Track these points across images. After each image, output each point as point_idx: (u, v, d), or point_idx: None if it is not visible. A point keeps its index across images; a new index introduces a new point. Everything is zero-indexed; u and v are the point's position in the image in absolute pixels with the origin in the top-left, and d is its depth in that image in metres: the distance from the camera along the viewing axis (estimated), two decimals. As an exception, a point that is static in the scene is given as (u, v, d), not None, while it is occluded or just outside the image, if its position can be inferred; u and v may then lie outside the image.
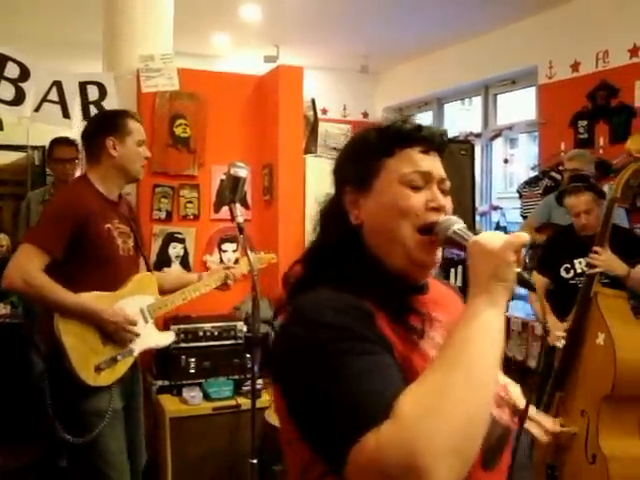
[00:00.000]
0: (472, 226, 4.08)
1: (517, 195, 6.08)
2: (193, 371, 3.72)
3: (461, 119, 9.86)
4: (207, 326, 3.81)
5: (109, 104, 3.83)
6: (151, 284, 2.97)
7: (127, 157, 2.85)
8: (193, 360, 3.70)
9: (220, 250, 4.47)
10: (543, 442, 1.43)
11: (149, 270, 3.09)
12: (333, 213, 1.24)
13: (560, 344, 3.17)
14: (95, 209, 2.74)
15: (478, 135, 7.53)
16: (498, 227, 7.10)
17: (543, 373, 3.38)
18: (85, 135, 2.97)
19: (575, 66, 6.15)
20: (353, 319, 1.02)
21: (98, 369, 2.66)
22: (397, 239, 1.15)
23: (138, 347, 2.82)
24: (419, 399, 0.89)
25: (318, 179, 4.79)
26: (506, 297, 1.03)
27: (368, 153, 1.20)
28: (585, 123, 5.94)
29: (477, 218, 7.46)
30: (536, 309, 3.69)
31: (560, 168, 5.48)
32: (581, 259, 3.43)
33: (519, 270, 1.04)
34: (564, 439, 3.12)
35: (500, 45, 6.96)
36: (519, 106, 7.74)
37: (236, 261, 3.87)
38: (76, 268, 2.68)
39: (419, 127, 1.22)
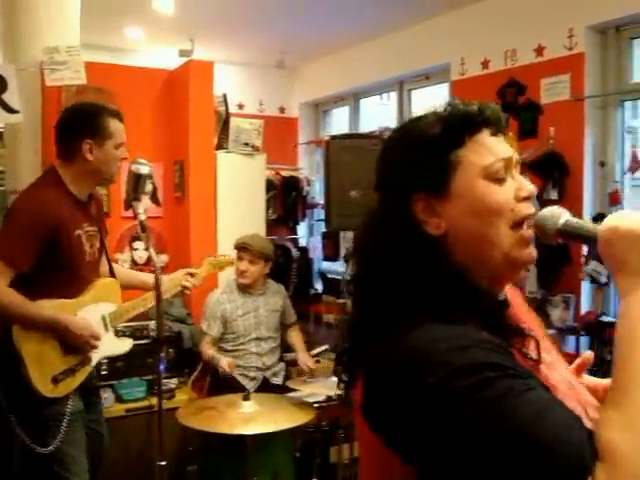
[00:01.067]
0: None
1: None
2: (105, 372, 3.64)
3: (379, 114, 9.95)
4: (118, 325, 3.72)
5: (9, 98, 3.69)
6: (114, 290, 2.87)
7: (103, 161, 2.70)
8: (105, 361, 3.62)
9: (131, 248, 4.39)
10: None
11: (112, 273, 2.96)
12: (398, 229, 1.05)
13: None
14: (65, 215, 2.60)
15: (394, 130, 7.63)
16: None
17: None
18: (59, 129, 2.77)
19: (485, 63, 6.30)
20: (493, 354, 0.88)
21: (55, 380, 2.56)
22: (494, 242, 1.01)
23: (97, 356, 2.74)
24: (629, 427, 0.76)
25: (230, 175, 4.76)
26: None
27: (435, 148, 1.04)
28: (495, 119, 6.07)
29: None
30: None
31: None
32: None
33: None
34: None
35: (414, 42, 7.06)
36: (433, 101, 7.86)
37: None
38: (40, 275, 2.57)
39: (483, 107, 1.07)
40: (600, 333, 5.14)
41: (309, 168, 8.84)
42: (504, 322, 1.01)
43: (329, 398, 3.24)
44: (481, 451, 0.82)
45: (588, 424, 0.84)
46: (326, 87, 8.67)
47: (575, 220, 1.01)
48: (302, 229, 8.76)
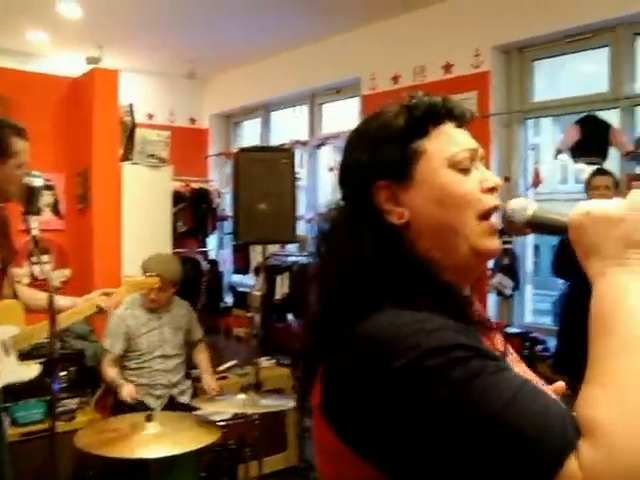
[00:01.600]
0: (294, 232, 4.10)
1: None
2: (-3, 395, 3.43)
3: (292, 127, 9.96)
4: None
5: None
6: (15, 313, 2.65)
7: (3, 180, 2.53)
8: (-2, 383, 3.41)
9: (30, 263, 4.19)
10: None
11: (15, 295, 2.74)
12: (360, 218, 1.02)
13: None
14: None
15: (304, 143, 7.64)
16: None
17: None
18: None
19: (395, 79, 6.39)
20: (463, 336, 0.85)
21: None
22: (459, 232, 0.99)
23: None
24: (613, 402, 0.73)
25: (135, 187, 4.63)
26: None
27: (399, 137, 1.03)
28: (404, 133, 6.16)
29: (303, 225, 7.60)
30: None
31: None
32: None
33: None
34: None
35: (326, 56, 7.08)
36: (344, 115, 7.92)
37: None
38: None
39: (447, 99, 1.08)
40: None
41: (220, 180, 8.73)
42: (469, 313, 0.98)
43: (236, 416, 3.16)
44: (458, 434, 0.78)
45: None
46: (237, 99, 8.60)
47: (544, 209, 0.99)
48: (212, 242, 8.64)
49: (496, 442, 0.76)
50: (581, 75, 7.08)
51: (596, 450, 0.71)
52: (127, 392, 3.43)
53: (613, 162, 4.92)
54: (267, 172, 3.88)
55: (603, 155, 4.80)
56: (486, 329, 1.02)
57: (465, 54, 5.75)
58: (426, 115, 1.05)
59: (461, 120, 1.08)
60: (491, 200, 1.02)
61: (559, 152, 5.00)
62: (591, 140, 4.81)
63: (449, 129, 1.05)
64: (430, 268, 0.98)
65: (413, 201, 1.00)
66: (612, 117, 5.04)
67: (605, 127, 4.82)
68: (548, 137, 11.68)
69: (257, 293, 4.47)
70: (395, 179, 1.02)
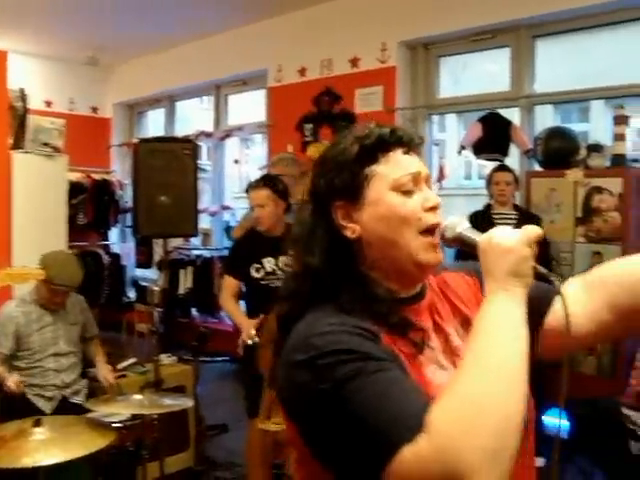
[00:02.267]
0: (195, 226, 3.99)
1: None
2: None
3: (198, 118, 9.78)
4: None
5: None
6: None
7: None
8: None
9: None
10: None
11: None
12: (321, 232, 1.18)
13: (251, 341, 3.21)
14: None
15: (209, 135, 7.50)
16: (228, 227, 7.13)
17: (248, 374, 3.40)
18: None
19: (302, 71, 6.35)
20: (358, 339, 1.01)
21: None
22: (401, 246, 1.13)
23: None
24: (449, 410, 0.88)
25: (27, 177, 4.40)
26: (524, 292, 1.02)
27: (352, 164, 1.16)
28: (311, 126, 6.14)
29: (207, 218, 7.48)
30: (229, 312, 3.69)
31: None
32: (270, 258, 3.50)
33: (535, 264, 1.03)
34: (283, 437, 3.14)
35: (232, 46, 6.96)
36: (251, 107, 7.84)
37: None
38: None
39: (395, 129, 1.19)
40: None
41: (122, 172, 8.47)
42: (391, 318, 1.11)
43: (134, 417, 3.03)
44: (333, 422, 0.95)
45: None
46: (141, 88, 8.34)
47: (467, 230, 1.14)
48: (115, 235, 8.39)
49: (354, 431, 0.93)
50: (484, 74, 7.24)
51: (427, 443, 0.86)
52: (13, 381, 3.22)
53: (514, 159, 5.04)
54: (168, 164, 3.75)
55: (504, 152, 4.91)
56: (405, 331, 1.12)
57: (372, 49, 5.76)
58: (375, 144, 1.16)
59: (409, 146, 1.19)
60: (431, 218, 1.14)
61: (462, 148, 5.08)
62: (493, 137, 4.91)
63: (396, 155, 1.17)
64: (370, 277, 1.15)
65: (364, 219, 1.15)
66: (513, 115, 5.17)
67: (506, 125, 4.93)
68: (453, 133, 11.92)
69: (156, 288, 4.33)
70: (349, 200, 1.16)
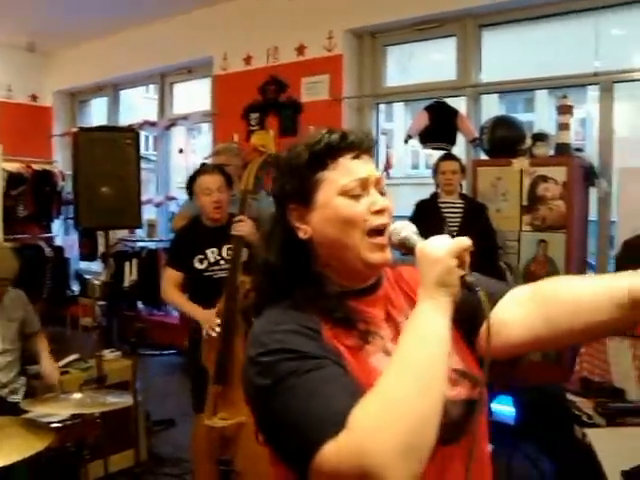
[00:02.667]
0: (139, 217, 3.88)
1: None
2: None
3: (144, 107, 9.59)
4: None
5: None
6: None
7: None
8: None
9: None
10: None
11: None
12: (279, 232, 1.26)
13: (215, 333, 3.12)
14: None
15: (154, 124, 7.35)
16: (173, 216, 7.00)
17: (194, 368, 3.32)
18: None
19: (248, 60, 6.26)
20: (300, 339, 1.09)
21: None
22: (349, 247, 1.19)
23: None
24: (369, 409, 0.96)
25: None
26: (450, 301, 1.07)
27: (303, 170, 1.22)
28: (257, 115, 6.06)
29: (152, 209, 7.34)
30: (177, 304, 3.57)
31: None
32: (214, 248, 3.41)
33: (462, 273, 1.09)
34: (230, 432, 3.09)
35: (177, 33, 6.82)
36: (196, 96, 7.71)
37: None
38: None
39: (345, 134, 1.24)
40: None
41: (64, 162, 8.24)
42: (349, 312, 1.19)
43: (74, 416, 2.93)
44: (270, 415, 1.06)
45: None
46: (83, 76, 8.12)
47: (411, 236, 1.18)
48: (57, 227, 8.16)
49: (286, 427, 1.03)
50: (431, 63, 7.25)
51: (346, 439, 0.94)
52: None
53: (460, 148, 5.06)
54: (109, 154, 3.65)
55: (451, 141, 4.92)
56: (355, 323, 1.19)
57: (318, 37, 5.71)
58: (324, 151, 1.22)
59: (359, 150, 1.23)
60: (377, 220, 1.19)
61: (409, 137, 5.07)
62: (439, 126, 4.91)
63: (345, 161, 1.22)
64: (321, 275, 1.23)
65: (314, 221, 1.22)
66: (459, 104, 5.18)
67: (453, 114, 4.94)
68: (400, 122, 11.96)
69: (97, 282, 4.21)
70: (301, 203, 1.23)
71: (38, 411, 2.86)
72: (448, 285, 1.08)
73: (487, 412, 1.28)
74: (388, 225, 1.21)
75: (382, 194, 1.24)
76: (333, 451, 0.95)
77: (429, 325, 1.05)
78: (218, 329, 3.10)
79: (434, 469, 1.06)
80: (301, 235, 1.23)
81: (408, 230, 1.19)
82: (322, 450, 0.95)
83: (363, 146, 1.25)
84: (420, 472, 0.94)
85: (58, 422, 2.90)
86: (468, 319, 1.21)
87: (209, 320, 3.16)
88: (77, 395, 2.86)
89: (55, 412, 2.87)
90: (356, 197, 1.20)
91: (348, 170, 1.21)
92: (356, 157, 1.23)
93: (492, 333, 1.10)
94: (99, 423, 2.98)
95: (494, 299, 1.25)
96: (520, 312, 1.24)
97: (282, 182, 1.26)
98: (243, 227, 3.21)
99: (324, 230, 1.21)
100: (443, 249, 1.10)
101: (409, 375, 0.99)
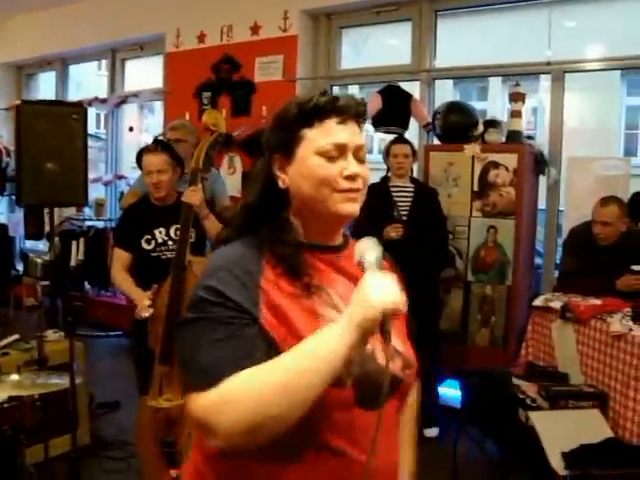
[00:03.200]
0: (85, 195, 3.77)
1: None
2: None
3: (96, 84, 9.37)
4: None
5: None
6: None
7: None
8: None
9: None
10: None
11: None
12: (262, 177, 1.35)
13: (148, 314, 3.05)
14: None
15: (104, 101, 7.18)
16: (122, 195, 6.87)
17: (139, 350, 3.25)
18: None
19: (201, 37, 6.16)
20: (235, 284, 1.21)
21: None
22: (319, 202, 1.28)
23: None
24: (239, 383, 1.11)
25: None
26: (361, 341, 1.13)
27: (290, 124, 1.30)
28: (209, 94, 5.99)
29: (102, 188, 7.19)
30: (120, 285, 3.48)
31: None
32: (161, 228, 3.34)
33: (385, 332, 1.12)
34: (175, 413, 3.04)
35: (129, 8, 6.67)
36: (148, 73, 7.56)
37: None
38: None
39: (335, 98, 1.30)
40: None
41: (10, 137, 8.01)
42: (290, 260, 1.28)
43: (11, 399, 2.84)
44: (179, 342, 1.24)
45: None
46: (30, 48, 7.87)
47: (369, 261, 1.21)
48: (2, 205, 7.94)
49: (183, 357, 1.21)
50: (386, 47, 7.24)
51: (212, 397, 1.11)
52: None
53: (413, 132, 5.06)
54: (55, 128, 3.51)
55: (404, 125, 4.91)
56: (302, 274, 1.28)
57: (273, 16, 5.64)
58: (312, 110, 1.29)
59: (346, 115, 1.30)
60: (346, 185, 1.27)
61: (362, 120, 5.03)
62: (392, 110, 4.89)
63: (330, 124, 1.28)
64: (289, 223, 1.33)
65: (292, 173, 1.31)
66: (413, 89, 5.18)
67: (406, 97, 4.93)
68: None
69: (39, 260, 4.09)
70: (284, 155, 1.31)
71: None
72: (366, 330, 1.12)
73: (403, 399, 1.40)
74: (359, 190, 1.30)
75: (362, 161, 1.31)
76: (200, 400, 1.13)
77: (329, 346, 1.12)
78: (151, 310, 3.04)
79: (348, 428, 1.22)
80: (280, 184, 1.32)
81: (371, 255, 1.23)
82: (195, 395, 1.13)
83: (351, 111, 1.31)
84: (253, 447, 1.12)
85: (-6, 404, 2.81)
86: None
87: (140, 301, 3.09)
88: (15, 377, 2.78)
89: (-6, 393, 2.79)
90: (331, 159, 1.28)
91: (330, 132, 1.28)
92: (342, 122, 1.30)
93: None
94: (38, 406, 2.89)
95: None
96: None
97: (271, 133, 1.35)
98: (194, 195, 3.16)
99: (298, 183, 1.30)
100: (382, 301, 1.13)
101: (286, 375, 1.11)
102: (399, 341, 1.33)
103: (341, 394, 1.18)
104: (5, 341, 3.69)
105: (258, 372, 1.12)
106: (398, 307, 1.14)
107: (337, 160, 1.28)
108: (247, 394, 1.11)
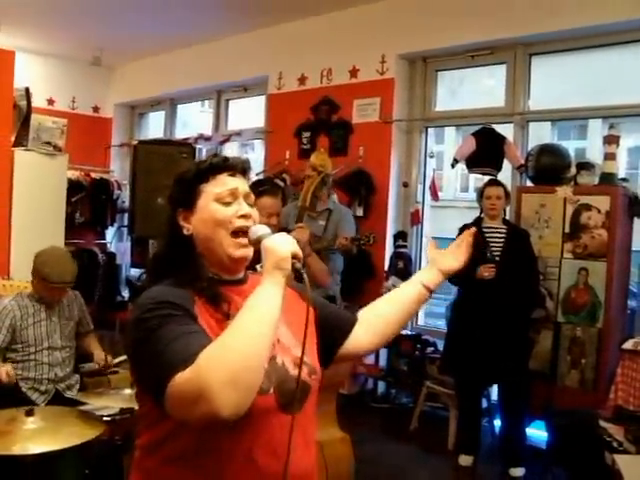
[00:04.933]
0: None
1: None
2: None
3: (199, 121, 9.85)
4: None
5: None
6: None
7: None
8: None
9: None
10: None
11: None
12: (169, 229, 1.56)
13: None
14: None
15: (208, 138, 7.58)
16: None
17: None
18: None
19: (302, 80, 6.45)
20: (174, 298, 1.39)
21: None
22: (216, 242, 1.50)
23: None
24: (209, 350, 1.25)
25: (28, 175, 4.45)
26: (283, 280, 1.37)
27: (190, 182, 1.54)
28: (308, 134, 6.25)
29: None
30: None
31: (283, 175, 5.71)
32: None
33: (293, 261, 1.38)
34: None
35: (234, 52, 7.06)
36: (250, 113, 7.92)
37: None
38: None
39: (226, 158, 1.58)
40: (396, 345, 5.42)
41: (121, 171, 8.56)
42: (217, 293, 1.49)
43: (123, 411, 3.10)
44: (138, 361, 1.38)
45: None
46: (143, 89, 8.43)
47: (262, 235, 1.46)
48: (111, 234, 8.45)
49: (151, 364, 1.30)
50: (481, 88, 7.33)
51: (190, 372, 1.22)
52: (4, 370, 3.26)
53: (506, 174, 5.13)
54: (166, 166, 3.84)
55: (497, 166, 5.00)
56: (219, 300, 1.49)
57: (371, 60, 5.86)
58: (207, 169, 1.55)
59: (234, 170, 1.56)
60: (240, 223, 1.50)
61: (455, 161, 5.16)
62: (486, 151, 4.99)
63: (223, 177, 1.54)
64: (199, 263, 1.52)
65: (195, 222, 1.52)
66: (507, 131, 5.25)
67: (500, 140, 5.02)
68: (451, 145, 11.98)
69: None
70: (186, 208, 1.54)
71: (91, 403, 3.04)
72: (282, 268, 1.37)
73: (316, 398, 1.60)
74: (249, 228, 1.50)
75: (250, 206, 1.55)
76: (180, 379, 1.23)
77: (264, 295, 1.35)
78: None
79: (269, 429, 1.41)
80: (185, 232, 1.53)
81: (262, 230, 1.48)
82: (173, 379, 1.24)
83: (238, 167, 1.57)
84: (246, 405, 1.25)
85: (108, 416, 3.07)
86: (331, 330, 1.67)
87: None
88: (128, 390, 3.03)
89: (107, 405, 3.05)
90: (227, 204, 1.51)
91: (223, 182, 1.53)
92: (232, 175, 1.55)
93: (355, 351, 1.73)
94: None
95: (345, 328, 1.72)
96: (361, 327, 1.74)
97: (175, 191, 1.58)
98: (303, 232, 3.33)
99: (200, 228, 1.51)
100: (282, 243, 1.40)
101: (242, 326, 1.29)
102: (309, 352, 1.54)
103: (265, 400, 1.37)
104: (116, 360, 3.97)
105: (220, 338, 1.28)
106: (297, 249, 1.40)
107: (231, 205, 1.51)
108: (221, 352, 1.25)
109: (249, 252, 1.52)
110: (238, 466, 1.38)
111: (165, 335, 1.32)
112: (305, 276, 1.40)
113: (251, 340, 1.28)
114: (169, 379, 1.25)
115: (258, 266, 1.46)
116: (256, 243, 1.47)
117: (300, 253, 1.42)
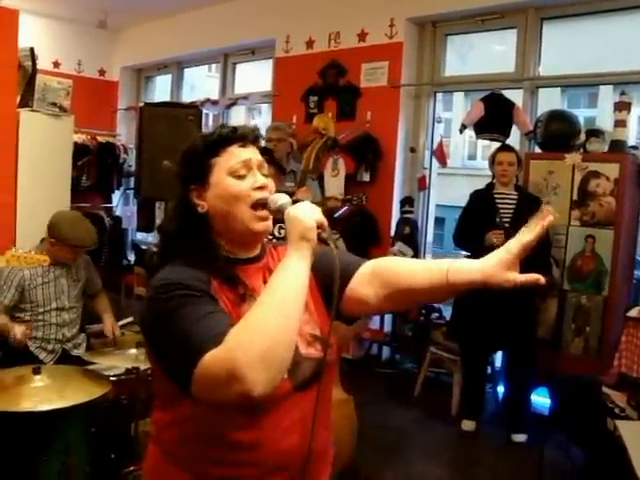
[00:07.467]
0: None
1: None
2: None
3: (206, 85, 9.79)
4: None
5: None
6: None
7: None
8: None
9: None
10: None
11: None
12: (182, 207, 1.50)
13: None
14: None
15: (215, 102, 7.53)
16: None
17: None
18: None
19: (310, 43, 6.38)
20: (192, 279, 1.36)
21: None
22: (236, 218, 1.45)
23: None
24: (238, 329, 1.22)
25: (34, 136, 4.43)
26: (310, 251, 1.34)
27: (200, 157, 1.48)
28: (316, 98, 6.20)
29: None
30: None
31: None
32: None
33: (319, 231, 1.35)
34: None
35: (241, 15, 6.97)
36: (257, 77, 7.86)
37: None
38: None
39: (234, 129, 1.51)
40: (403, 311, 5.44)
41: (127, 135, 8.52)
42: (232, 275, 1.46)
43: (128, 371, 3.12)
44: (160, 339, 1.34)
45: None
46: (150, 53, 8.36)
47: (284, 204, 1.42)
48: (117, 198, 8.44)
49: (176, 344, 1.27)
50: (490, 54, 7.25)
51: (220, 350, 1.19)
52: (19, 330, 3.29)
53: (514, 140, 5.09)
54: (172, 128, 3.83)
55: (505, 132, 4.96)
56: (237, 282, 1.46)
57: (380, 24, 5.79)
58: (216, 141, 1.49)
59: (244, 141, 1.50)
60: (258, 195, 1.45)
61: (463, 127, 5.11)
62: (495, 117, 4.95)
63: (234, 149, 1.48)
64: (214, 243, 1.48)
65: (209, 198, 1.47)
66: (516, 97, 5.20)
67: (509, 106, 4.97)
68: (459, 112, 11.88)
69: (153, 249, 4.38)
70: (199, 184, 1.48)
71: (97, 362, 3.07)
72: (308, 239, 1.34)
73: (337, 369, 1.63)
74: (267, 199, 1.45)
75: (265, 176, 1.50)
76: (210, 360, 1.20)
77: (291, 268, 1.32)
78: None
79: (285, 409, 1.40)
80: (200, 210, 1.48)
81: (283, 199, 1.43)
82: (203, 359, 1.21)
83: (249, 138, 1.52)
84: (276, 382, 1.22)
85: (114, 376, 3.10)
86: (328, 285, 1.45)
87: None
88: (133, 350, 3.06)
89: (113, 364, 3.08)
90: (241, 177, 1.46)
91: (235, 155, 1.48)
92: (243, 146, 1.49)
93: (361, 289, 1.49)
94: (151, 380, 3.16)
95: (350, 269, 1.53)
96: (370, 280, 1.52)
97: (184, 166, 1.52)
98: (307, 194, 3.35)
99: (216, 204, 1.46)
100: (306, 212, 1.36)
101: (271, 303, 1.26)
102: (317, 325, 1.52)
103: (280, 386, 1.28)
104: (121, 322, 3.99)
105: (248, 316, 1.25)
106: (322, 218, 1.37)
107: (246, 177, 1.46)
108: (251, 330, 1.22)
109: (269, 225, 1.49)
110: (254, 444, 1.38)
111: (188, 316, 1.29)
112: (332, 246, 1.36)
113: (280, 317, 1.25)
114: (197, 360, 1.22)
115: (275, 230, 1.44)
116: (276, 212, 1.44)
117: (325, 222, 1.38)
